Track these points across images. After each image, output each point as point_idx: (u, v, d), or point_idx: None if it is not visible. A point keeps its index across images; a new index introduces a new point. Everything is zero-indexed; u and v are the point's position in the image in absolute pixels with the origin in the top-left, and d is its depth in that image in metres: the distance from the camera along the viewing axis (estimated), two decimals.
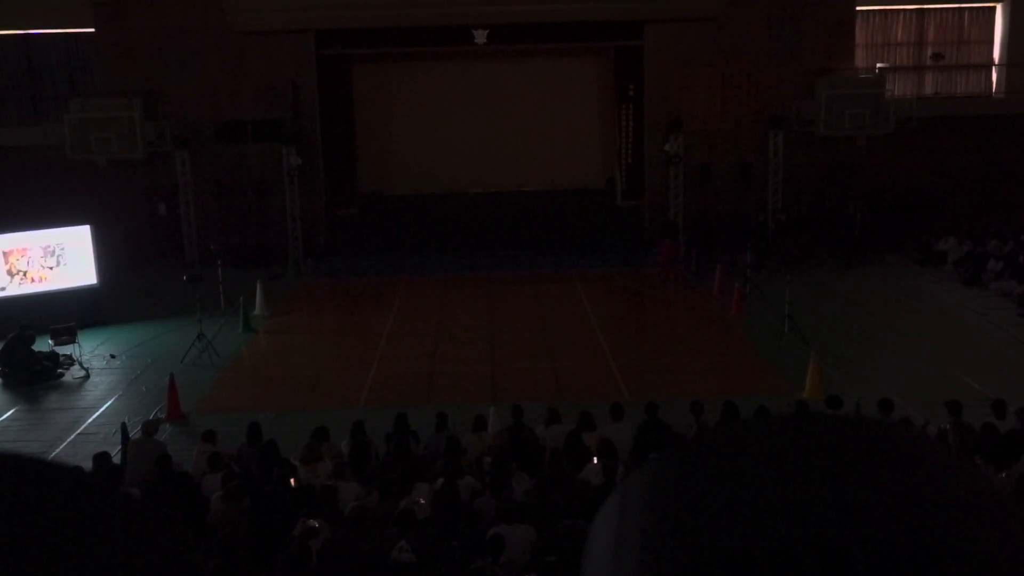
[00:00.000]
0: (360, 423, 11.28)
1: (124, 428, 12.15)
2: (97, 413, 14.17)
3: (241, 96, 24.43)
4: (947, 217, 24.44)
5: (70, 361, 16.19)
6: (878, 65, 25.62)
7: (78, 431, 13.46)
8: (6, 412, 14.49)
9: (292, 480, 9.69)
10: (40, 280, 18.51)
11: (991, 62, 26.72)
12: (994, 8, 26.51)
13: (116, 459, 11.18)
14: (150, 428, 11.47)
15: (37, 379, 15.62)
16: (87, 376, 15.86)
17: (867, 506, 0.58)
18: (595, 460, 10.06)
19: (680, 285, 21.52)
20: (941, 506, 0.59)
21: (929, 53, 26.51)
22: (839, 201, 24.55)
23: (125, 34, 24.27)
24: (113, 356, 16.85)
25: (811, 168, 25.29)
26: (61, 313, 17.31)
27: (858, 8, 25.27)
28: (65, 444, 12.96)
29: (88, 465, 9.96)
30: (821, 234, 23.66)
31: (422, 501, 8.96)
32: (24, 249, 18.43)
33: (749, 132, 24.91)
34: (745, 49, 24.66)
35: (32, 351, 15.99)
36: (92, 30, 24.54)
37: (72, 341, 16.59)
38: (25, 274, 18.43)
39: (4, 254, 18.24)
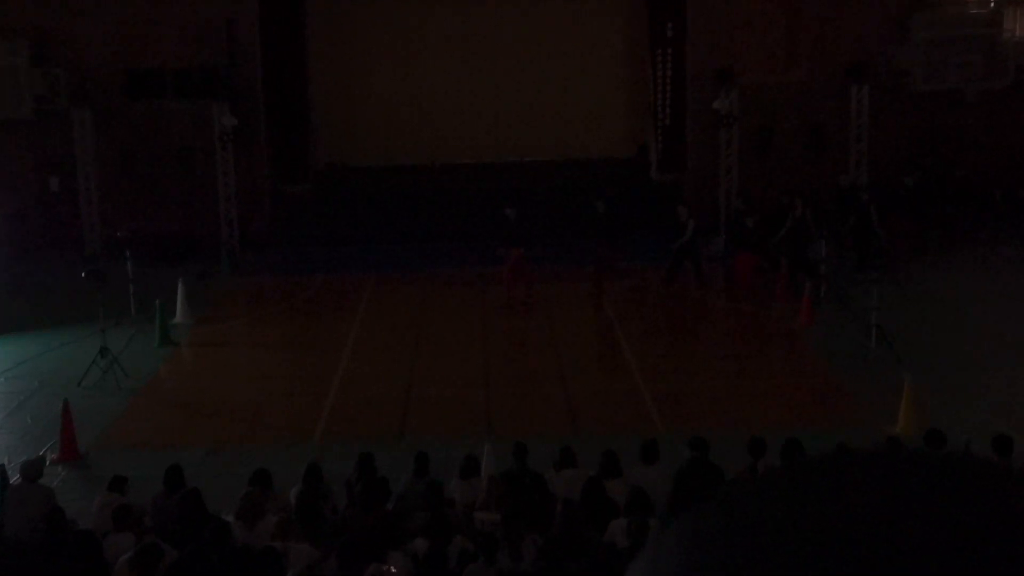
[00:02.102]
0: (315, 465, 11.31)
1: (2, 471, 12.13)
2: None
3: (160, 38, 24.49)
4: None
5: None
6: None
7: None
8: None
9: (225, 540, 9.69)
10: None
11: None
12: None
13: None
14: (33, 471, 11.43)
15: None
16: None
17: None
18: (622, 516, 10.07)
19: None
20: None
21: None
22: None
23: None
24: None
25: (904, 132, 25.31)
26: None
27: None
28: None
29: None
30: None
31: (394, 570, 8.96)
32: None
33: (823, 86, 24.95)
34: None
35: None
36: None
37: None
38: None
39: None
